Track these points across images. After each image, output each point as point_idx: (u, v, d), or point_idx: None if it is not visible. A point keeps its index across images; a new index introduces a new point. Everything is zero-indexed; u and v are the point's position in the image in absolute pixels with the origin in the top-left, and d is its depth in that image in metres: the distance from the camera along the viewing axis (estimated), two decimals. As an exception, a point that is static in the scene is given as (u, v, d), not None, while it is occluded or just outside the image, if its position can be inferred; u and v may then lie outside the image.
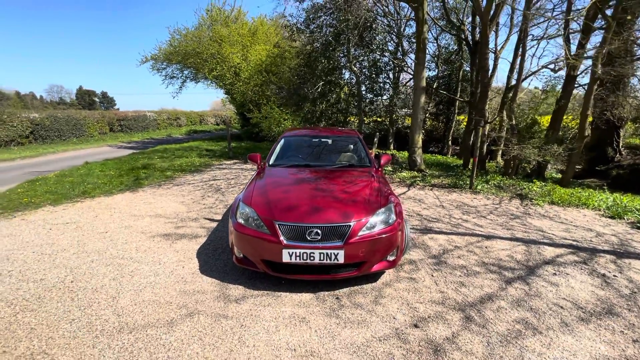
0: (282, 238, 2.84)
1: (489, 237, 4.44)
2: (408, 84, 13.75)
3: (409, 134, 9.62)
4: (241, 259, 3.07)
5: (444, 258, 3.77)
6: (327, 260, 2.79)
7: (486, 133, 9.06)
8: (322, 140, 4.92)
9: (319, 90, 9.38)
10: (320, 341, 2.34)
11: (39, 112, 17.06)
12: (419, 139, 9.28)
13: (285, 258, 2.80)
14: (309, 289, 3.01)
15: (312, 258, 2.79)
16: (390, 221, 3.06)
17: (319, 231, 2.84)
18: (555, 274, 3.43)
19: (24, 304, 2.77)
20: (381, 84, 10.40)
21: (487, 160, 9.75)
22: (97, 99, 76.83)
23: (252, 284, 3.10)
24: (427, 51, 10.76)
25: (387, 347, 2.29)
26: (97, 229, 4.55)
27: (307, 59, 10.11)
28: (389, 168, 9.59)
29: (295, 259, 2.80)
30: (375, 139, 9.35)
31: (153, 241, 4.13)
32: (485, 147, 9.49)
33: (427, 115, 16.63)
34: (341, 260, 2.79)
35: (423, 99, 9.21)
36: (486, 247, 4.10)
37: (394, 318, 2.63)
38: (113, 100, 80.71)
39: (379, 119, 13.36)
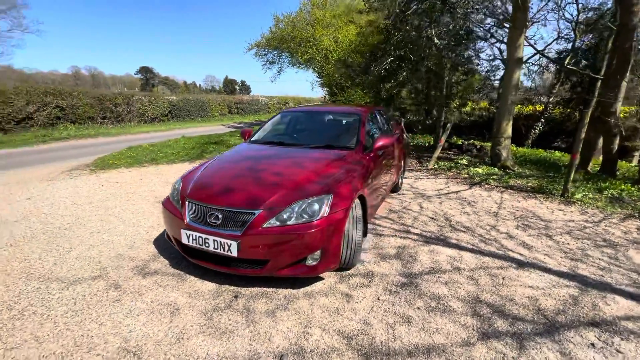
0: (186, 217, 2.57)
1: (523, 266, 3.06)
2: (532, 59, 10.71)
3: (495, 120, 7.62)
4: (167, 234, 2.96)
5: (420, 280, 2.77)
6: (220, 250, 2.38)
7: (618, 121, 6.34)
8: (319, 117, 4.29)
9: (386, 67, 8.28)
10: (160, 340, 2.01)
11: (176, 95, 21.01)
12: (508, 127, 7.24)
13: (184, 239, 2.53)
14: (220, 280, 2.67)
15: (206, 244, 2.42)
16: (314, 215, 2.38)
17: (219, 215, 2.44)
18: (593, 345, 2.06)
19: (20, 239, 3.37)
20: (473, 57, 8.38)
21: (617, 161, 6.86)
22: (237, 87, 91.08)
23: (177, 262, 2.96)
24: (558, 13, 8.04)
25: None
26: (130, 189, 5.24)
27: (385, 34, 9.07)
28: (464, 161, 7.88)
29: (192, 242, 2.49)
30: (449, 125, 7.74)
31: (154, 206, 4.46)
32: (616, 141, 6.69)
33: (554, 100, 12.98)
34: (234, 253, 2.33)
35: (518, 75, 7.06)
36: (504, 279, 2.83)
37: (268, 340, 2.05)
38: (249, 87, 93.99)
39: (474, 104, 11.00)
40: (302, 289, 2.58)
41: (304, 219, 2.36)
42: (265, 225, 2.33)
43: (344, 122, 4.02)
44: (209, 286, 2.59)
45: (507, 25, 7.69)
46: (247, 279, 2.66)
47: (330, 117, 4.18)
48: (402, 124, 6.20)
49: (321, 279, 2.74)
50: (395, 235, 3.65)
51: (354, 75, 9.98)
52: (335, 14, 15.56)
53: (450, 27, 7.98)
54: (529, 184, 6.01)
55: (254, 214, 2.37)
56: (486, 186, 5.99)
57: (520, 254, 3.30)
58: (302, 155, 3.31)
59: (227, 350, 1.94)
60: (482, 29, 8.23)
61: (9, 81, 17.15)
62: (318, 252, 2.40)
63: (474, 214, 4.44)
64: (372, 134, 3.87)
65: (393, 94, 8.98)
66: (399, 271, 2.90)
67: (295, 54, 16.28)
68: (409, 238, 3.59)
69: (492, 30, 8.18)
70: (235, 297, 2.46)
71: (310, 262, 2.40)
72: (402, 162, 5.31)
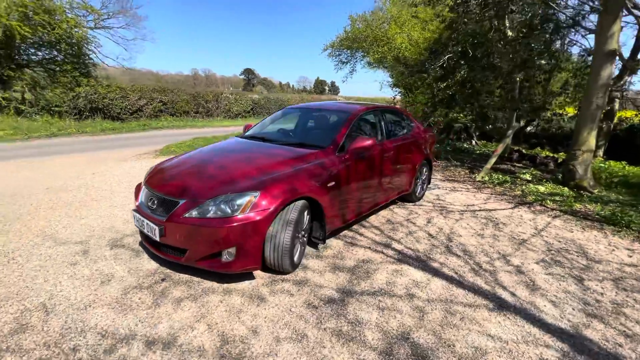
0: (137, 200, 2.81)
1: (503, 309, 2.43)
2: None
3: (574, 128, 6.13)
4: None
5: (355, 299, 2.45)
6: (149, 233, 2.53)
7: None
8: (312, 115, 4.11)
9: (443, 64, 7.36)
10: (74, 304, 2.25)
11: (258, 94, 22.88)
12: (589, 138, 5.75)
13: (133, 220, 2.77)
14: (163, 263, 2.83)
15: (142, 227, 2.61)
16: (231, 211, 2.33)
17: (155, 201, 2.60)
18: None
19: (59, 205, 4.19)
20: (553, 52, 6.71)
21: None
22: (326, 87, 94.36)
23: (146, 240, 3.26)
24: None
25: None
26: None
27: (449, 28, 8.15)
28: (526, 176, 6.58)
29: (136, 223, 2.72)
30: (509, 132, 6.51)
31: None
32: None
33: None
34: (157, 237, 2.45)
35: (608, 71, 5.51)
36: (462, 319, 2.29)
37: (153, 325, 2.09)
38: (338, 88, 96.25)
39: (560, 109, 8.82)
40: (225, 285, 2.56)
41: (221, 214, 2.33)
42: (185, 215, 2.38)
43: (331, 121, 3.80)
44: (150, 266, 2.78)
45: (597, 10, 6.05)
46: (187, 267, 2.76)
47: (323, 115, 3.99)
48: (428, 129, 5.51)
49: (252, 277, 2.67)
50: (369, 248, 3.29)
51: (408, 74, 9.24)
52: (413, 10, 14.72)
53: (525, 14, 6.68)
54: (601, 212, 4.68)
55: (178, 203, 2.45)
56: (537, 208, 4.90)
57: (513, 294, 2.62)
58: (263, 151, 3.26)
59: (114, 325, 2.07)
60: (564, 15, 6.64)
61: (148, 81, 21.21)
62: (233, 249, 2.34)
63: (490, 238, 3.69)
64: (355, 135, 3.54)
65: (450, 94, 7.99)
66: (338, 286, 2.62)
67: (367, 54, 15.96)
68: (382, 253, 3.20)
69: (577, 17, 6.52)
70: (163, 280, 2.59)
71: (225, 258, 2.36)
72: (422, 169, 4.73)
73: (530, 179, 6.47)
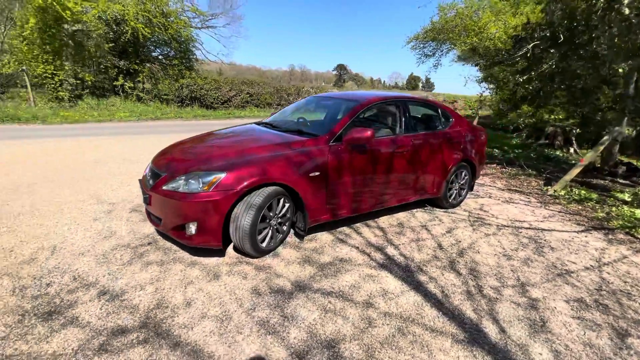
0: (144, 173, 3.17)
1: (461, 341, 1.98)
2: None
3: None
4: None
5: (305, 296, 2.31)
6: (143, 202, 2.84)
7: None
8: (327, 103, 3.92)
9: (527, 54, 6.03)
10: (73, 250, 2.69)
11: (346, 89, 23.09)
12: None
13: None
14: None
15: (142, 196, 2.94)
16: (197, 188, 2.44)
17: (150, 173, 2.89)
18: None
19: (91, 176, 5.03)
20: None
21: None
22: (420, 83, 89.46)
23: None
24: None
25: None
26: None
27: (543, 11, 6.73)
28: (624, 196, 5.09)
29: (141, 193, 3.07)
30: (606, 138, 5.07)
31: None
32: None
33: None
34: (145, 204, 2.74)
35: None
36: (413, 342, 1.95)
37: (115, 279, 2.36)
38: (433, 85, 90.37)
39: None
40: (195, 257, 2.71)
41: (188, 189, 2.47)
42: (163, 187, 2.59)
43: (339, 110, 3.57)
44: (147, 231, 3.12)
45: None
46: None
47: (335, 104, 3.78)
48: (477, 127, 4.69)
49: (222, 255, 2.75)
50: (356, 248, 3.05)
51: (485, 66, 7.94)
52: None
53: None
54: None
55: (160, 176, 2.68)
56: (618, 237, 3.79)
57: (501, 331, 2.10)
58: (256, 136, 3.28)
59: (88, 272, 2.40)
60: None
61: (252, 75, 23.75)
62: (195, 224, 2.46)
63: (519, 262, 3.02)
64: (360, 126, 3.27)
65: (536, 90, 6.62)
66: (297, 278, 2.50)
67: (455, 46, 14.48)
68: (368, 255, 2.93)
69: None
70: (149, 244, 2.89)
71: (189, 231, 2.49)
72: (460, 172, 4.12)
73: (629, 199, 5.00)
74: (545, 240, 3.53)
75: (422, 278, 2.63)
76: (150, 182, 2.79)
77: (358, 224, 3.56)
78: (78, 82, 13.75)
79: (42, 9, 11.31)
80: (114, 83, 14.37)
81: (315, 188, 2.85)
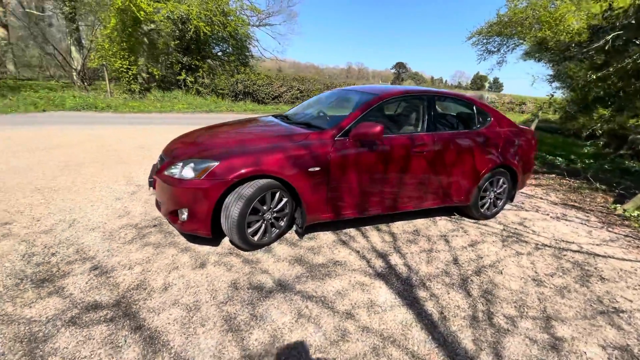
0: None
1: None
2: None
3: None
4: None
5: (283, 296, 2.18)
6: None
7: None
8: (346, 96, 3.67)
9: (605, 47, 4.96)
10: (85, 223, 2.89)
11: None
12: None
13: (153, 175, 3.29)
14: (171, 213, 3.27)
15: (152, 181, 3.06)
16: (192, 175, 2.44)
17: (159, 159, 2.99)
18: None
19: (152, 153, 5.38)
20: None
21: None
22: (487, 83, 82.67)
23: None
24: None
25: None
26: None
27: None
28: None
29: (152, 177, 3.21)
30: None
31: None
32: None
33: None
34: (152, 188, 2.84)
35: None
36: (381, 365, 1.72)
37: (113, 256, 2.47)
38: (502, 85, 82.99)
39: None
40: (189, 244, 2.74)
41: (182, 176, 2.48)
42: (164, 172, 2.65)
43: (353, 103, 3.32)
44: (158, 214, 3.25)
45: None
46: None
47: (352, 96, 3.53)
48: (524, 130, 4.04)
49: (216, 245, 2.74)
50: (357, 252, 2.82)
51: (555, 61, 6.80)
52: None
53: None
54: None
55: (164, 160, 2.75)
56: (703, 273, 2.99)
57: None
58: (263, 128, 3.20)
59: (91, 247, 2.56)
60: None
61: (309, 73, 24.32)
62: (186, 211, 2.47)
63: (553, 290, 2.53)
64: (375, 121, 3.01)
65: (612, 90, 5.51)
66: (282, 277, 2.38)
67: (523, 41, 12.99)
68: (367, 261, 2.69)
69: None
70: (154, 226, 3.00)
71: (181, 217, 2.51)
72: (497, 179, 3.62)
73: None
74: (595, 268, 2.92)
75: (422, 294, 2.33)
76: (158, 167, 2.88)
77: (367, 227, 3.32)
78: (148, 76, 15.23)
79: (122, 10, 12.71)
80: (177, 77, 15.64)
81: (315, 184, 2.69)
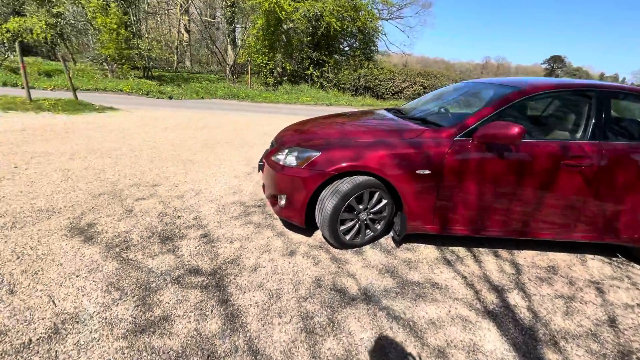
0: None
1: None
2: None
3: None
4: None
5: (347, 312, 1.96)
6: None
7: None
8: (476, 90, 3.00)
9: None
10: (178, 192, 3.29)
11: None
12: None
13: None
14: (275, 196, 3.44)
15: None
16: (294, 163, 2.45)
17: (270, 145, 3.13)
18: None
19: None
20: None
21: None
22: (694, 84, 60.18)
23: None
24: None
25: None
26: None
27: None
28: None
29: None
30: None
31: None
32: None
33: None
34: (260, 172, 3.01)
35: None
36: None
37: (220, 230, 2.73)
38: None
39: None
40: (286, 230, 2.78)
41: (286, 162, 2.52)
42: (271, 157, 2.76)
43: (485, 98, 2.68)
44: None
45: None
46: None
47: (484, 90, 2.87)
48: None
49: (310, 235, 2.71)
50: (463, 277, 2.33)
51: None
52: None
53: None
54: None
55: (273, 146, 2.86)
56: None
57: None
58: (371, 121, 2.94)
59: (206, 217, 2.88)
60: None
61: (438, 67, 23.19)
62: (284, 197, 2.50)
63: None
64: (511, 120, 2.39)
65: None
66: (367, 286, 2.15)
67: None
68: (475, 292, 2.19)
69: None
70: (259, 206, 3.19)
71: (280, 202, 2.57)
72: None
73: None
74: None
75: (551, 356, 1.73)
76: (268, 151, 3.03)
77: (483, 249, 2.74)
78: (281, 70, 16.91)
79: (268, 12, 14.38)
80: (305, 72, 16.83)
81: (422, 189, 2.33)
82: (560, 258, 2.72)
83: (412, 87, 17.18)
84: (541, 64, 71.39)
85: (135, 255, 2.25)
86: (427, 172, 2.30)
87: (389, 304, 2.01)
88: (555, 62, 67.70)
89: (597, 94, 2.42)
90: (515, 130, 2.11)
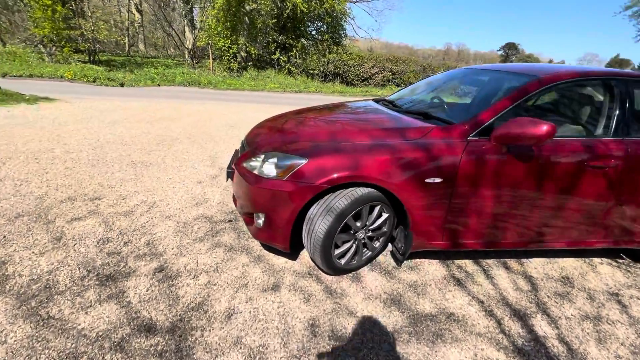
0: (243, 141, 2.92)
1: None
2: None
3: None
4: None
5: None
6: (228, 174, 2.58)
7: None
8: (480, 78, 2.67)
9: None
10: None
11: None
12: None
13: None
14: (248, 206, 2.90)
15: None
16: (273, 172, 1.93)
17: (240, 146, 2.56)
18: None
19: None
20: None
21: None
22: (630, 68, 66.09)
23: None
24: None
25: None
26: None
27: None
28: None
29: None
30: None
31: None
32: None
33: None
34: (230, 179, 2.45)
35: None
36: None
37: (183, 255, 2.16)
38: (651, 72, 65.50)
39: None
40: (265, 252, 2.28)
41: (261, 171, 1.99)
42: (243, 164, 2.21)
43: (496, 88, 2.33)
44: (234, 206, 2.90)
45: None
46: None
47: (491, 79, 2.52)
48: None
49: (295, 258, 2.23)
50: (479, 302, 1.99)
51: None
52: None
53: None
54: None
55: (245, 149, 2.31)
56: None
57: None
58: (363, 116, 2.50)
59: (162, 242, 2.30)
60: None
61: (402, 53, 22.86)
62: (263, 216, 1.99)
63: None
64: (530, 116, 2.05)
65: None
66: (374, 329, 1.73)
67: None
68: (497, 322, 1.85)
69: None
70: (229, 221, 2.64)
71: (257, 222, 2.05)
72: None
73: None
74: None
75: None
76: (238, 155, 2.47)
77: (490, 261, 2.42)
78: (245, 54, 15.83)
79: (228, -10, 13.19)
80: (272, 57, 15.90)
81: (432, 201, 1.92)
82: (570, 265, 2.48)
83: (382, 73, 16.92)
84: (497, 50, 74.59)
85: (61, 310, 1.64)
86: (438, 180, 1.89)
87: (403, 352, 1.60)
88: (510, 49, 71.01)
89: (622, 82, 2.12)
90: (545, 128, 1.74)
